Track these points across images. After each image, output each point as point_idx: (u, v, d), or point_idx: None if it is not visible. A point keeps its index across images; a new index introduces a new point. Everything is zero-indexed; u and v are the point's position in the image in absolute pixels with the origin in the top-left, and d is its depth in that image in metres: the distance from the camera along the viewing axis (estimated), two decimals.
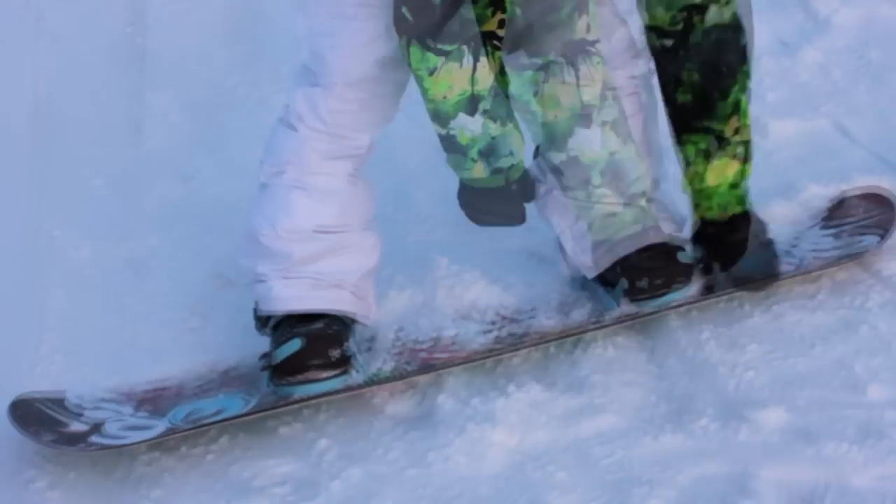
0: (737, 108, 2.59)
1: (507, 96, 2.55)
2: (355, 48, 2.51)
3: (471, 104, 2.48)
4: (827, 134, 3.32)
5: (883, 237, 2.79)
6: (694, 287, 2.68)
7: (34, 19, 4.38)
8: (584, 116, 2.52)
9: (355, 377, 2.54)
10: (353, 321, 2.64)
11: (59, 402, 2.59)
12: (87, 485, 2.47)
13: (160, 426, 2.50)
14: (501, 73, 2.53)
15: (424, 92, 2.48)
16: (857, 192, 2.96)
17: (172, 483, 2.46)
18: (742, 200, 2.66)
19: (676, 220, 2.76)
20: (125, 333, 2.91)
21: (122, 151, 3.66)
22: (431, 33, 2.42)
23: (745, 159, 2.63)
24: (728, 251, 2.67)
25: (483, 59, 2.46)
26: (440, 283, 2.86)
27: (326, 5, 2.52)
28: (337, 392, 2.52)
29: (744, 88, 2.59)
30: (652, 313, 2.65)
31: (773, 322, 2.65)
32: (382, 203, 3.19)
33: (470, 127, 2.49)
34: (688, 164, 2.64)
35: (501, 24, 2.47)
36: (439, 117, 2.50)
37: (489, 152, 2.52)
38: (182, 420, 2.52)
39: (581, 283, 2.77)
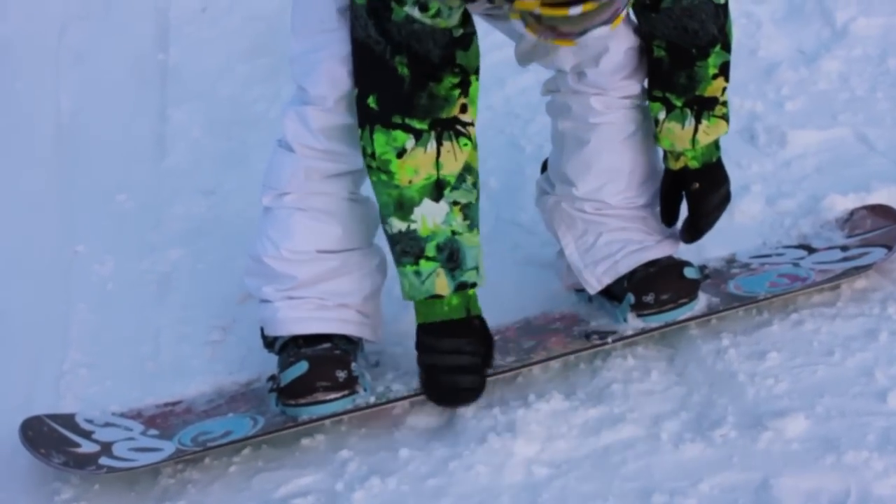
0: (724, 70, 2.60)
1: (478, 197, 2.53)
2: (343, 58, 2.51)
3: (436, 189, 2.47)
4: (846, 143, 3.32)
5: (891, 249, 2.78)
6: (701, 303, 2.68)
7: (57, 38, 4.43)
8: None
9: (363, 397, 2.55)
10: (361, 339, 2.65)
11: (69, 421, 2.61)
12: (112, 496, 2.49)
13: (168, 448, 2.52)
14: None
15: (390, 177, 2.45)
16: (866, 206, 2.96)
17: (196, 495, 2.47)
18: (718, 148, 2.68)
19: (678, 237, 2.75)
20: (147, 347, 2.93)
21: (144, 167, 3.69)
22: (400, 109, 2.42)
23: (728, 118, 2.67)
24: (711, 199, 2.68)
25: (447, 144, 2.46)
26: None
27: (312, 21, 2.53)
28: (344, 413, 2.53)
29: (727, 48, 2.59)
30: (659, 328, 2.65)
31: (792, 330, 2.64)
32: None
33: (433, 214, 2.47)
34: (658, 121, 2.65)
35: (464, 108, 2.47)
36: (402, 206, 2.46)
37: (452, 256, 2.48)
38: (190, 442, 2.54)
39: (588, 297, 2.77)
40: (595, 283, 2.72)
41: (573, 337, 2.69)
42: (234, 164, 3.66)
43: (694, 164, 2.66)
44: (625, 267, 2.69)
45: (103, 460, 2.49)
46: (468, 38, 2.45)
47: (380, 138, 2.44)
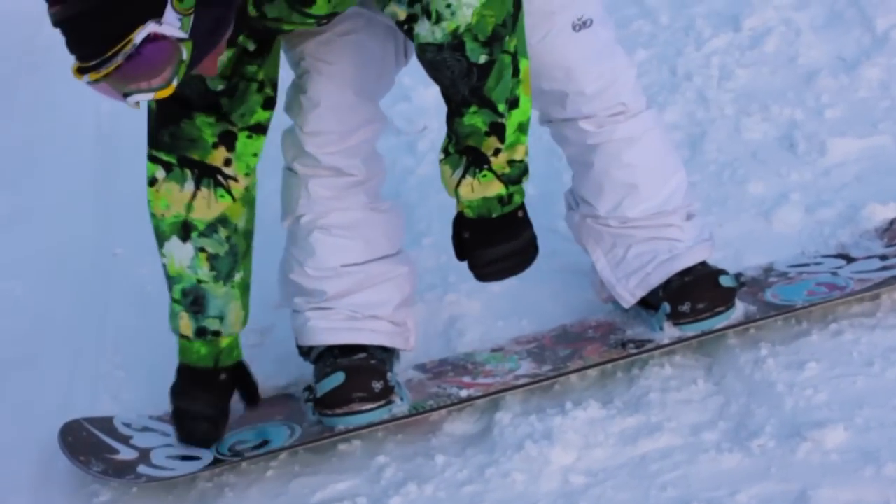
0: (496, 130, 2.38)
1: (239, 258, 2.55)
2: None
3: (183, 230, 2.50)
4: (886, 151, 3.29)
5: None
6: (738, 311, 2.66)
7: None
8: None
9: (399, 406, 2.55)
10: (396, 348, 2.66)
11: (107, 424, 2.63)
12: (150, 500, 2.51)
13: (206, 457, 2.54)
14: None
15: (148, 205, 2.51)
16: None
17: (234, 499, 2.49)
18: (506, 205, 2.45)
19: (712, 241, 2.72)
20: None
21: None
22: (149, 140, 2.48)
23: (513, 180, 2.44)
24: (484, 254, 2.49)
25: (205, 190, 2.48)
26: (493, 304, 2.87)
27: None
28: (381, 423, 2.54)
29: (493, 110, 2.37)
30: (695, 337, 2.64)
31: (832, 340, 2.63)
32: (436, 224, 3.21)
33: (179, 255, 2.51)
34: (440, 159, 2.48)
35: (227, 162, 2.49)
36: (158, 236, 2.53)
37: (196, 302, 2.52)
38: (228, 451, 2.55)
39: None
40: (629, 296, 2.71)
41: (609, 345, 2.69)
42: (270, 168, 3.66)
43: (469, 213, 2.46)
44: (657, 279, 2.68)
45: (142, 469, 2.50)
46: (233, 89, 2.44)
47: (148, 164, 2.50)
